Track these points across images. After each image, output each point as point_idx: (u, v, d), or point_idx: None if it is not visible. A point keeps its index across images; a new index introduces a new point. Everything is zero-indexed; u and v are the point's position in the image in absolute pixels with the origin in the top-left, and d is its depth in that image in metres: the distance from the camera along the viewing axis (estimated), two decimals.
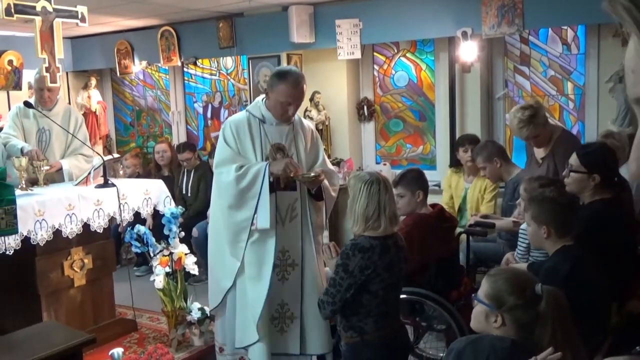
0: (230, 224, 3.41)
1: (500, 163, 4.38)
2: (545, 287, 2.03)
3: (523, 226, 3.37)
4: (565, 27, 5.42)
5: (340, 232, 6.23)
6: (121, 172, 6.50)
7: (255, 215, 3.30)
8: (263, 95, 3.54)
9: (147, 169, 6.91)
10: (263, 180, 3.27)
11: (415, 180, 3.70)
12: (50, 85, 4.51)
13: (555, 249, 2.70)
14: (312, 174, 3.37)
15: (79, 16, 4.44)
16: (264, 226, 3.30)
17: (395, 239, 2.90)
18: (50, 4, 4.27)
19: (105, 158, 4.61)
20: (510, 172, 4.38)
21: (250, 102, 6.46)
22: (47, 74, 4.32)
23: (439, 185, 5.91)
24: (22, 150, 4.43)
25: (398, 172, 5.85)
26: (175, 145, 7.03)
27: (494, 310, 2.02)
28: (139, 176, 6.55)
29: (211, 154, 6.16)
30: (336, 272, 2.84)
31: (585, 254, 2.66)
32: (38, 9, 4.21)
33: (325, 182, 3.49)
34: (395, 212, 2.92)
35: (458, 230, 4.10)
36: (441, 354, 3.82)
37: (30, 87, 6.60)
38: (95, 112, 7.71)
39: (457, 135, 5.71)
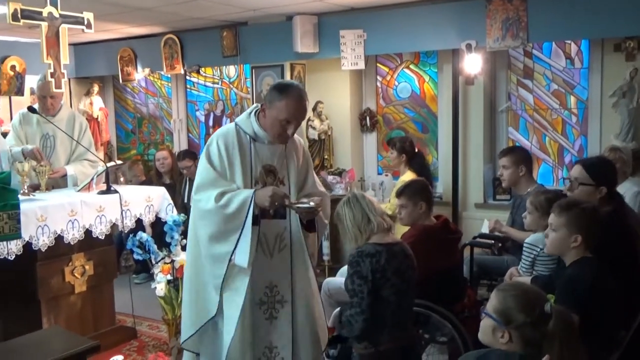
0: (209, 255, 2.95)
1: (524, 172, 4.27)
2: (554, 307, 2.01)
3: (528, 240, 3.36)
4: (569, 42, 5.44)
5: (339, 245, 6.18)
6: (122, 180, 6.51)
7: (235, 251, 2.87)
8: (254, 106, 3.08)
9: (148, 177, 6.90)
10: (247, 214, 2.82)
11: (418, 191, 3.70)
12: (54, 91, 4.50)
13: (574, 260, 2.69)
14: (310, 205, 2.88)
15: (85, 22, 4.45)
16: (241, 264, 2.87)
17: (402, 247, 2.97)
18: (57, 9, 4.27)
19: (108, 164, 4.59)
20: (528, 185, 4.28)
21: None
22: (52, 80, 4.32)
23: (441, 197, 5.91)
24: (22, 150, 4.42)
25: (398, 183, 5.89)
26: (176, 153, 7.03)
27: (502, 326, 2.00)
28: (142, 183, 6.55)
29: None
30: (352, 282, 2.88)
31: (604, 265, 2.65)
32: (44, 14, 4.21)
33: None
34: (382, 210, 3.04)
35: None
36: None
37: (32, 92, 6.59)
38: (97, 119, 7.70)
39: (460, 147, 5.72)
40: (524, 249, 3.41)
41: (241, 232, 2.83)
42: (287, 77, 6.26)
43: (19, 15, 4.07)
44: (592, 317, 2.06)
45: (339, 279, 4.14)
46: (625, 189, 4.04)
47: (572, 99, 5.57)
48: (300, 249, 3.08)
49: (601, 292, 2.53)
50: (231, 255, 2.87)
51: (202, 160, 2.98)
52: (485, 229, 4.41)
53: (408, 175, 4.94)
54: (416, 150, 5.38)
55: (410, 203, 3.64)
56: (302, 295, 3.09)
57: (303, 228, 3.07)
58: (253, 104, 6.57)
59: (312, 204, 2.87)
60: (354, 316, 2.85)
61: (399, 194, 3.69)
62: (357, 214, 2.94)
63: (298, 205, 2.90)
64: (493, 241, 4.21)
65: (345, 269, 4.41)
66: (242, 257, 2.85)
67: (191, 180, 6.27)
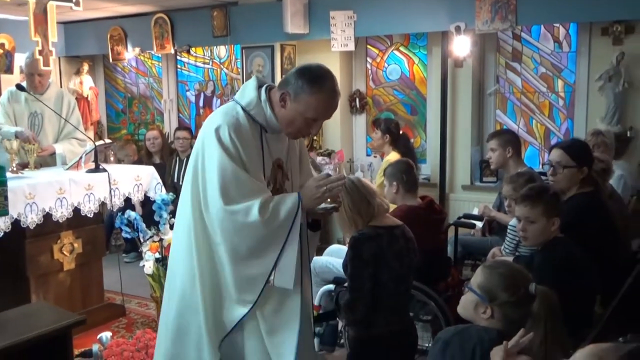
0: (234, 279, 2.38)
1: (512, 154, 4.28)
2: (539, 288, 2.05)
3: (512, 222, 3.41)
4: (558, 25, 5.47)
5: (326, 225, 6.24)
6: (112, 159, 6.52)
7: (274, 271, 2.36)
8: (255, 82, 2.47)
9: (138, 157, 6.93)
10: (292, 225, 2.32)
11: (396, 172, 3.76)
12: (42, 69, 4.49)
13: (547, 240, 2.76)
14: (332, 205, 2.48)
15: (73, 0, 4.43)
16: (284, 286, 2.39)
17: (402, 230, 2.90)
18: None
19: (97, 143, 4.60)
20: (516, 167, 4.27)
21: None
22: (40, 57, 4.31)
23: (428, 179, 5.96)
24: (15, 134, 4.42)
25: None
26: (167, 133, 7.05)
27: (485, 302, 2.03)
28: (134, 163, 6.57)
29: None
30: (352, 265, 2.78)
31: (575, 244, 2.72)
32: None
33: None
34: (378, 192, 2.99)
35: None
36: (427, 344, 3.85)
37: (21, 71, 6.56)
38: (87, 98, 7.69)
39: (448, 130, 5.75)
40: (508, 231, 3.47)
41: (283, 248, 2.33)
42: (278, 58, 6.25)
43: None
44: (567, 294, 2.11)
45: (325, 257, 4.20)
46: None
47: (560, 83, 5.60)
48: (306, 253, 2.59)
49: (575, 268, 2.59)
50: (268, 277, 2.37)
51: (217, 154, 2.32)
52: (476, 214, 4.48)
53: (393, 156, 4.99)
54: (401, 132, 5.42)
55: (387, 182, 3.74)
56: (306, 304, 2.62)
57: (307, 227, 2.60)
58: (243, 84, 6.57)
59: (332, 204, 2.47)
60: (354, 301, 2.77)
61: (384, 172, 3.80)
62: (355, 198, 2.83)
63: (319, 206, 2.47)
64: (477, 222, 4.28)
65: (332, 248, 4.49)
66: (285, 277, 2.36)
67: (182, 161, 6.30)
